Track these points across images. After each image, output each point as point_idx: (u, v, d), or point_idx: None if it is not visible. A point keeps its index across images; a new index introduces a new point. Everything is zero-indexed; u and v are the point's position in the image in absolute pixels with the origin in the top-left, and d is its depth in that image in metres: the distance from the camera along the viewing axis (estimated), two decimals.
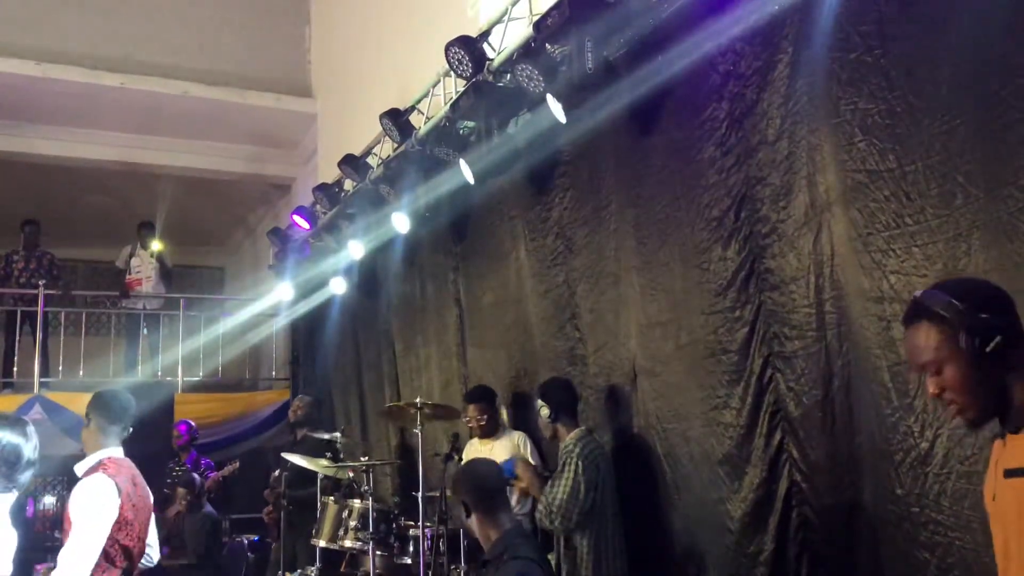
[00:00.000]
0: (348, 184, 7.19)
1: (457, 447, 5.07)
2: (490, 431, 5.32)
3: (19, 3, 9.18)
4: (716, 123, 3.99)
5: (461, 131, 5.65)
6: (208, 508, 7.44)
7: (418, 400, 5.18)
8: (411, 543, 5.12)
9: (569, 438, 4.37)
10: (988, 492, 2.06)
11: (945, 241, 2.91)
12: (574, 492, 4.14)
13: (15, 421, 3.16)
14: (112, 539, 3.51)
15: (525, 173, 5.43)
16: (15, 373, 9.36)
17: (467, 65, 4.93)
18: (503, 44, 4.93)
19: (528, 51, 4.58)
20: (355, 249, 7.15)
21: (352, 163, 6.75)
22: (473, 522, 3.29)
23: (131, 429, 3.85)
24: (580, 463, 4.19)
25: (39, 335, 9.19)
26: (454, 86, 5.55)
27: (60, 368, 9.68)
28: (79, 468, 3.71)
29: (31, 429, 3.16)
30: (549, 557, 4.17)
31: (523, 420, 5.42)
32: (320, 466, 5.72)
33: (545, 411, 4.43)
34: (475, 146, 5.47)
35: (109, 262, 10.72)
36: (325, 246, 7.74)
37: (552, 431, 4.49)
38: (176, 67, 9.66)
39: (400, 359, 7.37)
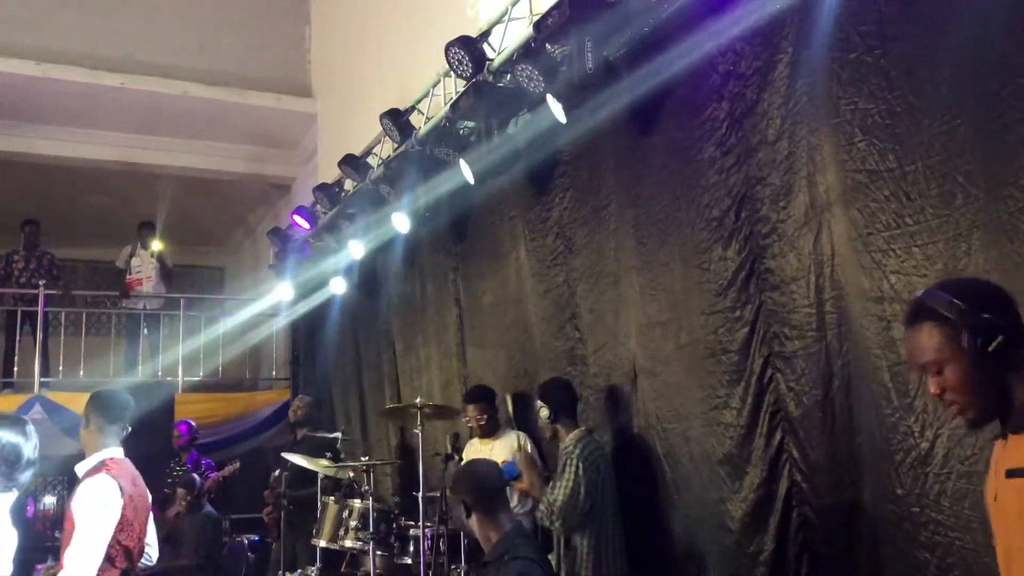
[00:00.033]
0: (348, 184, 7.20)
1: (457, 447, 5.07)
2: (490, 431, 5.32)
3: (19, 3, 9.18)
4: (716, 123, 3.99)
5: (461, 131, 5.65)
6: (208, 508, 7.43)
7: (418, 400, 5.18)
8: (411, 543, 5.12)
9: (569, 439, 4.37)
10: (989, 492, 2.05)
11: (945, 241, 2.91)
12: (574, 493, 4.15)
13: (15, 420, 3.16)
14: (113, 540, 3.51)
15: (525, 173, 5.43)
16: (15, 373, 9.36)
17: (467, 65, 4.93)
18: (503, 44, 4.93)
19: (528, 51, 4.58)
20: (355, 249, 7.15)
21: (352, 163, 6.75)
22: (473, 522, 3.30)
23: (129, 428, 3.85)
24: (580, 464, 4.20)
25: (39, 335, 9.19)
26: (454, 86, 5.55)
27: (60, 368, 9.68)
28: (80, 468, 3.71)
29: (31, 428, 3.16)
30: (549, 557, 4.17)
31: (523, 420, 5.42)
32: (320, 466, 5.72)
33: (545, 411, 4.44)
34: (475, 146, 5.47)
35: (109, 262, 10.72)
36: (325, 246, 7.74)
37: (552, 431, 4.49)
38: (176, 67, 9.66)
39: (400, 359, 7.37)
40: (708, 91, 4.02)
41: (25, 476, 3.10)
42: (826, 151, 3.39)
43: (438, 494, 4.70)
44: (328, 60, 10.24)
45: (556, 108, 4.55)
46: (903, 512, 3.07)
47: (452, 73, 5.24)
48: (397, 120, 5.94)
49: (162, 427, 8.45)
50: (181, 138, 10.48)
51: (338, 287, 8.06)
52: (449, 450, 5.04)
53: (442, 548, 4.71)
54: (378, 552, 5.07)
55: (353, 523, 5.18)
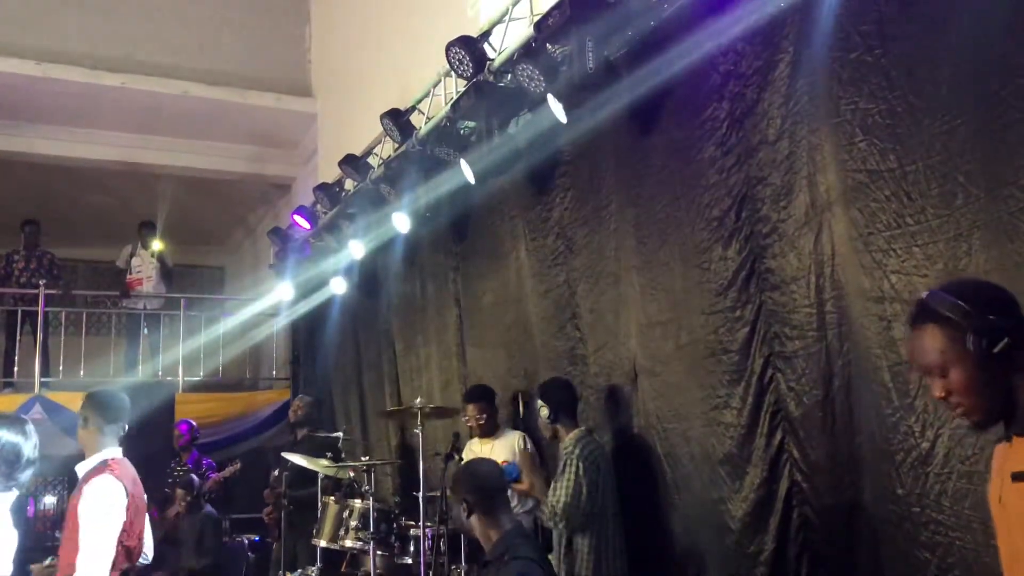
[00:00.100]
0: (349, 184, 7.20)
1: (457, 447, 5.07)
2: (489, 430, 5.32)
3: (19, 3, 9.18)
4: (717, 123, 3.99)
5: (462, 131, 5.65)
6: (207, 508, 7.44)
7: (418, 400, 5.18)
8: (412, 543, 5.11)
9: (569, 438, 4.37)
10: (994, 495, 2.04)
11: (946, 241, 2.91)
12: (575, 493, 4.15)
13: (14, 420, 3.17)
14: (116, 540, 3.51)
15: (526, 173, 5.43)
16: (15, 373, 9.36)
17: (468, 65, 4.93)
18: (504, 44, 4.93)
19: (529, 51, 4.58)
20: (355, 249, 7.15)
21: (353, 163, 6.76)
22: (474, 522, 3.30)
23: (127, 428, 3.85)
24: (580, 464, 4.20)
25: (39, 335, 9.19)
26: (455, 86, 5.55)
27: (60, 368, 9.68)
28: (80, 469, 3.71)
29: (30, 428, 3.16)
30: (549, 557, 4.17)
31: (523, 420, 5.42)
32: (321, 466, 5.72)
33: (545, 411, 4.44)
34: (476, 146, 5.47)
35: (110, 262, 10.72)
36: (325, 246, 7.74)
37: (552, 431, 4.49)
38: (176, 67, 9.66)
39: (400, 359, 7.37)
40: (709, 91, 4.02)
41: (25, 475, 3.10)
42: (827, 151, 3.39)
43: (438, 494, 4.70)
44: (328, 60, 10.24)
45: (557, 108, 4.54)
46: (903, 512, 3.07)
47: (453, 73, 5.24)
48: (398, 120, 5.94)
49: (162, 427, 8.46)
50: (181, 138, 10.48)
51: (338, 287, 8.06)
52: (449, 450, 5.04)
53: (442, 548, 4.71)
54: (378, 552, 5.07)
55: (353, 523, 5.18)
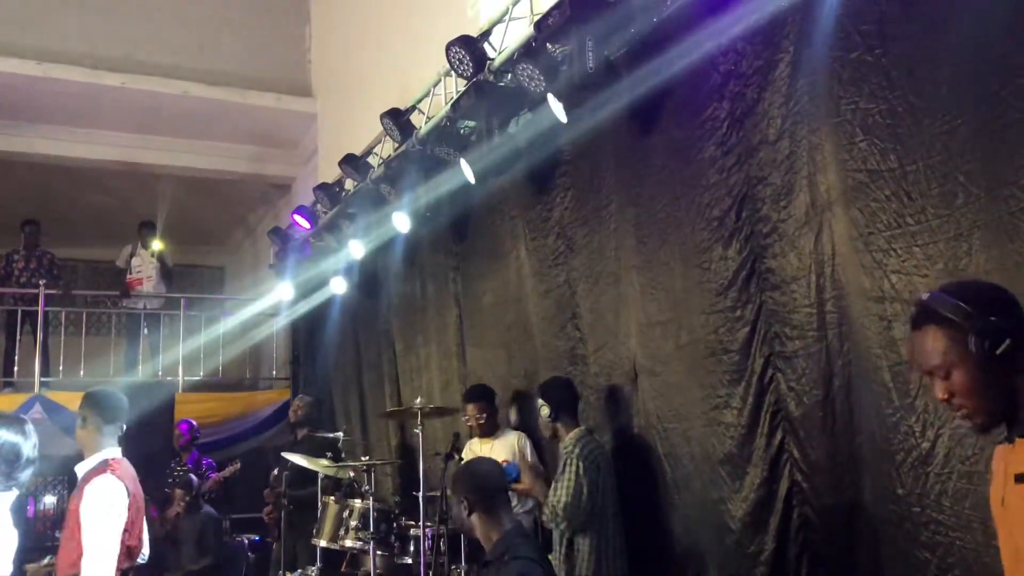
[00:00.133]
0: (349, 184, 7.20)
1: (457, 447, 5.07)
2: (489, 430, 5.32)
3: (20, 3, 9.19)
4: (717, 123, 3.99)
5: (462, 131, 5.65)
6: (206, 508, 7.44)
7: (418, 400, 5.18)
8: (412, 543, 5.12)
9: (568, 438, 4.37)
10: (996, 497, 2.03)
11: (946, 241, 2.91)
12: (576, 493, 4.15)
13: (13, 419, 3.16)
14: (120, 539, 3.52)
15: (526, 173, 5.43)
16: (15, 372, 9.36)
17: (468, 65, 4.93)
18: (504, 44, 4.93)
19: (529, 51, 4.57)
20: (355, 249, 7.15)
21: (353, 163, 6.75)
22: (474, 521, 3.29)
23: (125, 428, 3.84)
24: (580, 463, 4.20)
25: (39, 335, 9.19)
26: (455, 86, 5.55)
27: (60, 368, 9.68)
28: (80, 469, 3.70)
29: (29, 427, 3.15)
30: (550, 557, 4.17)
31: (522, 420, 5.42)
32: (321, 466, 5.72)
33: (545, 410, 4.44)
34: (476, 146, 5.47)
35: (110, 262, 10.72)
36: (325, 246, 7.74)
37: (552, 430, 4.49)
38: (176, 67, 9.66)
39: (400, 359, 7.37)
40: (709, 90, 4.01)
41: (25, 475, 3.09)
42: (827, 151, 3.39)
43: (438, 494, 4.70)
44: (328, 60, 10.24)
45: (557, 108, 4.54)
46: (904, 512, 3.06)
47: (453, 72, 5.24)
48: (398, 119, 5.94)
49: (162, 427, 8.47)
50: (181, 138, 10.49)
51: (338, 287, 8.06)
52: (449, 450, 5.04)
53: (442, 548, 4.71)
54: (378, 552, 5.07)
55: (353, 523, 5.18)
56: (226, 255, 14.12)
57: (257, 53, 10.23)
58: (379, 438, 7.68)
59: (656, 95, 4.27)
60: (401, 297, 7.36)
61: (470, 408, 5.32)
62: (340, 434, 6.07)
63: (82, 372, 9.60)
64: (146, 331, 10.08)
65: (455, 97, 5.32)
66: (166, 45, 9.74)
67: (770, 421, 3.73)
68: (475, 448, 5.30)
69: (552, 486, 4.32)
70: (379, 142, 6.79)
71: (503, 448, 5.17)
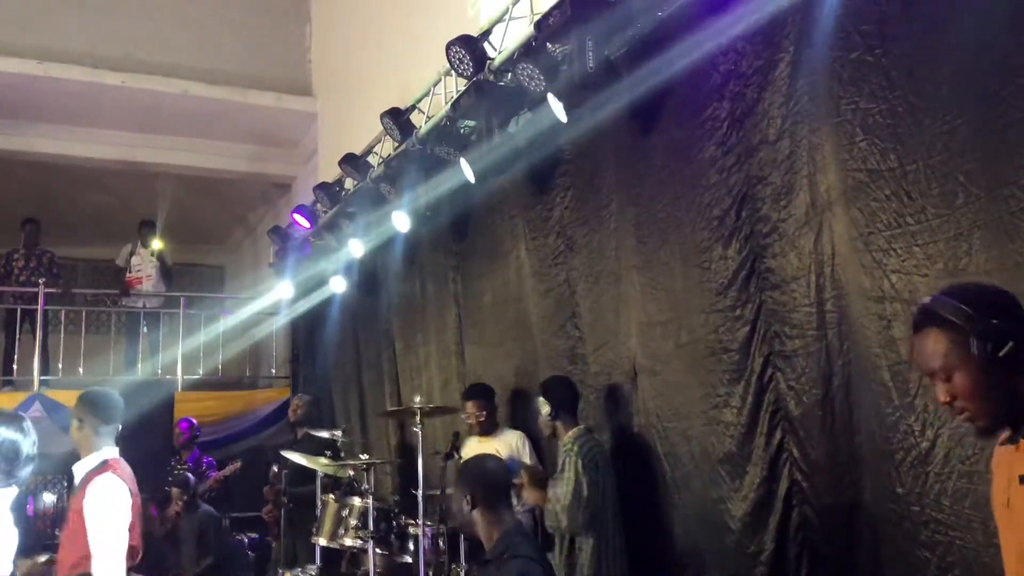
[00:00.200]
0: (349, 183, 7.20)
1: (457, 446, 5.07)
2: (489, 429, 5.32)
3: (20, 2, 9.18)
4: (717, 122, 3.99)
5: (462, 130, 5.65)
6: (205, 507, 7.43)
7: (418, 399, 5.18)
8: (411, 542, 5.11)
9: (567, 437, 4.37)
10: (999, 498, 2.02)
11: (946, 240, 2.91)
12: (577, 491, 4.15)
13: (12, 417, 3.16)
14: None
15: (526, 172, 5.43)
16: (15, 371, 9.36)
17: (468, 64, 4.93)
18: (504, 43, 4.93)
19: (529, 50, 4.58)
20: (355, 248, 7.16)
21: (353, 162, 6.76)
22: (476, 517, 3.28)
23: (120, 428, 3.84)
24: (580, 461, 4.20)
25: (39, 333, 9.19)
26: (455, 85, 5.55)
27: (60, 366, 9.67)
28: (79, 469, 3.70)
29: (28, 424, 3.15)
30: (549, 556, 4.17)
31: (522, 420, 5.43)
32: (320, 464, 5.72)
33: (546, 409, 4.44)
34: (476, 145, 5.46)
35: (109, 260, 10.72)
36: (325, 245, 7.75)
37: (551, 429, 4.50)
38: (176, 66, 9.66)
39: (400, 358, 7.37)
40: (709, 90, 4.01)
41: (25, 472, 3.09)
42: (827, 150, 3.39)
43: (438, 493, 4.70)
44: (328, 59, 10.24)
45: (557, 107, 4.55)
46: (903, 511, 3.07)
47: (453, 72, 5.24)
48: (398, 119, 5.94)
49: (162, 425, 8.48)
50: (181, 137, 10.49)
51: (338, 286, 8.06)
52: (449, 449, 5.04)
53: (442, 547, 4.71)
54: (378, 551, 5.06)
55: (353, 521, 5.18)
56: (226, 254, 14.12)
57: (257, 52, 10.23)
58: (379, 437, 7.68)
59: (656, 95, 4.27)
60: (401, 296, 7.36)
61: (469, 406, 5.33)
62: (339, 433, 6.05)
63: (82, 371, 9.60)
64: (146, 330, 10.08)
65: (455, 96, 5.32)
66: (166, 44, 9.74)
67: (770, 420, 3.73)
68: (474, 446, 5.30)
69: (551, 485, 4.32)
70: (379, 141, 6.79)
71: (503, 447, 5.17)
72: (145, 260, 10.04)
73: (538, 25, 4.43)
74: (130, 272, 10.09)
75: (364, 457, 5.54)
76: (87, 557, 3.48)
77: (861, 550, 3.33)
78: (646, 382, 4.48)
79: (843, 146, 3.29)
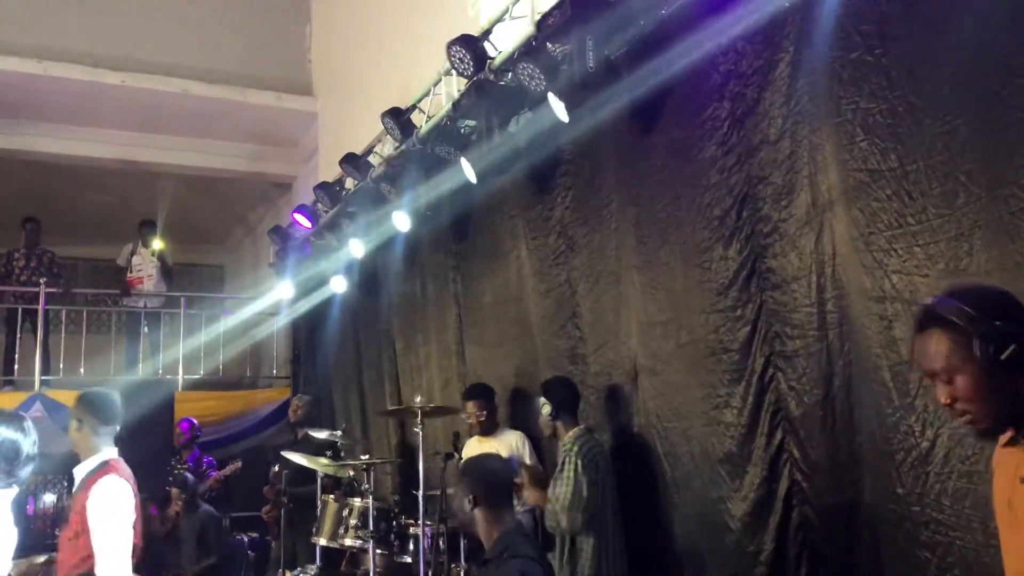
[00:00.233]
0: (349, 183, 7.20)
1: (457, 446, 5.07)
2: (489, 428, 5.33)
3: (20, 2, 9.18)
4: (717, 122, 3.98)
5: (462, 130, 5.65)
6: (205, 507, 7.43)
7: (418, 399, 5.18)
8: (411, 541, 5.11)
9: (568, 437, 4.37)
10: (1001, 499, 2.02)
11: (947, 240, 2.91)
12: (577, 490, 4.15)
13: (12, 417, 3.16)
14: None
15: (526, 172, 5.43)
16: (16, 371, 9.36)
17: (468, 64, 4.93)
18: (504, 43, 4.93)
19: (529, 50, 4.57)
20: (356, 248, 7.16)
21: (353, 162, 6.76)
22: (477, 515, 3.27)
23: (119, 429, 3.84)
24: (579, 461, 4.20)
25: (40, 333, 9.19)
26: (455, 85, 5.55)
27: (61, 366, 9.68)
28: (80, 471, 3.70)
29: (29, 424, 3.15)
30: (549, 556, 4.17)
31: (522, 420, 5.43)
32: (321, 464, 5.72)
33: (547, 408, 4.44)
34: (476, 145, 5.46)
35: (110, 260, 10.73)
36: (326, 244, 7.75)
37: (552, 429, 4.50)
38: (177, 65, 9.66)
39: (400, 358, 7.37)
40: (709, 90, 4.01)
41: (25, 472, 3.09)
42: (827, 150, 3.39)
43: (438, 492, 4.70)
44: (329, 58, 10.24)
45: (558, 107, 4.54)
46: (903, 512, 3.06)
47: (453, 72, 5.24)
48: (398, 119, 5.94)
49: (162, 425, 8.48)
50: (182, 136, 10.49)
51: (338, 286, 8.06)
52: (450, 448, 5.05)
53: (442, 547, 4.71)
54: (378, 550, 5.06)
55: (353, 521, 5.18)
56: (226, 254, 14.13)
57: (257, 52, 10.23)
58: (379, 437, 7.68)
59: (657, 95, 4.27)
60: (401, 296, 7.36)
61: (470, 405, 5.33)
62: (339, 432, 6.05)
63: (82, 370, 9.60)
64: (146, 330, 10.08)
65: (456, 96, 5.32)
66: (166, 44, 9.74)
67: (770, 420, 3.73)
68: (474, 446, 5.30)
69: (551, 484, 4.32)
70: (379, 141, 6.79)
71: (503, 447, 5.17)
72: (146, 260, 10.04)
73: (538, 25, 4.43)
74: (131, 272, 10.09)
75: (364, 457, 5.54)
76: (89, 557, 3.48)
77: (861, 550, 3.33)
78: (646, 382, 4.48)
79: (844, 146, 3.29)
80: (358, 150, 6.90)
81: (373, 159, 6.83)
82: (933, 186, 2.96)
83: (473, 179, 5.47)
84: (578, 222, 5.05)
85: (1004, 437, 2.02)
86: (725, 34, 3.84)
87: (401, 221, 6.40)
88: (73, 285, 10.54)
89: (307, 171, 10.71)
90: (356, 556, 5.68)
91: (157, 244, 10.05)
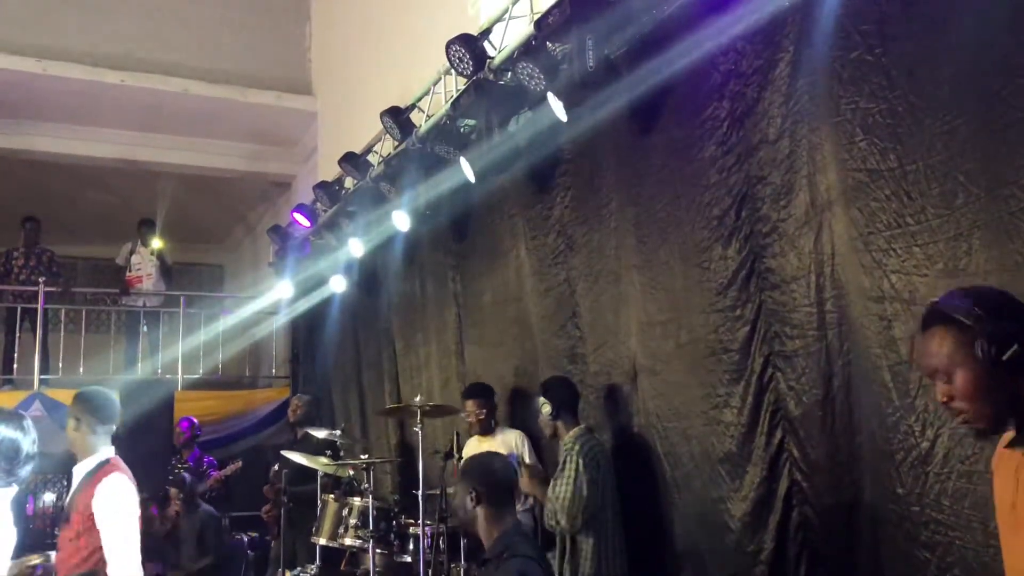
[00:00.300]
0: (348, 182, 7.20)
1: (457, 445, 5.07)
2: (488, 428, 5.33)
3: (20, 2, 9.18)
4: (717, 122, 3.98)
5: (462, 129, 5.64)
6: (204, 507, 7.43)
7: (418, 398, 5.18)
8: (411, 541, 5.12)
9: (568, 436, 4.37)
10: (1004, 501, 2.02)
11: (946, 240, 2.91)
12: (577, 490, 4.15)
13: (11, 415, 3.16)
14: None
15: (526, 171, 5.43)
16: (15, 370, 9.35)
17: (468, 63, 4.93)
18: (504, 42, 4.93)
19: (529, 49, 4.57)
20: (355, 247, 7.15)
21: (353, 161, 6.75)
22: (479, 514, 3.26)
23: (116, 428, 3.84)
24: (580, 460, 4.20)
25: (39, 332, 9.19)
26: (455, 84, 5.54)
27: (60, 365, 9.67)
28: (80, 470, 3.69)
29: (28, 423, 3.15)
30: (549, 556, 4.17)
31: (522, 419, 5.43)
32: (320, 464, 5.72)
33: (547, 408, 4.44)
34: (476, 144, 5.46)
35: (109, 259, 10.72)
36: (325, 244, 7.74)
37: (552, 428, 4.50)
38: (176, 65, 9.66)
39: (400, 357, 7.37)
40: (709, 90, 4.01)
41: (25, 471, 3.09)
42: (827, 150, 3.39)
43: (438, 492, 4.70)
44: (328, 58, 10.23)
45: (557, 106, 4.54)
46: (903, 512, 3.07)
47: (453, 71, 5.24)
48: (398, 118, 5.94)
49: (162, 425, 8.47)
50: (181, 136, 10.50)
51: (338, 285, 8.06)
52: (449, 448, 5.05)
53: (442, 546, 4.71)
54: (378, 550, 5.07)
55: (353, 521, 5.18)
56: (226, 253, 14.12)
57: (257, 51, 10.23)
58: (379, 436, 7.68)
59: (656, 94, 4.27)
60: (401, 296, 7.36)
61: (469, 405, 5.33)
62: (338, 432, 6.05)
63: (82, 369, 9.60)
64: (145, 329, 10.07)
65: (455, 95, 5.31)
66: (166, 43, 9.74)
67: (770, 420, 3.73)
68: (474, 446, 5.30)
69: (551, 484, 4.32)
70: (379, 140, 6.78)
71: (502, 446, 5.16)
72: (145, 259, 10.03)
73: (538, 24, 4.43)
74: (130, 271, 10.09)
75: (364, 456, 5.54)
76: (90, 557, 3.48)
77: (861, 550, 3.33)
78: (646, 382, 4.48)
79: (843, 146, 3.29)
80: (357, 149, 6.89)
81: (372, 158, 6.82)
82: (932, 186, 2.96)
83: (472, 178, 5.47)
84: (577, 221, 5.05)
85: (1005, 438, 2.02)
86: (725, 34, 3.84)
87: (400, 220, 6.40)
88: (72, 284, 10.53)
89: (307, 170, 10.71)
90: (356, 555, 5.68)
91: (156, 243, 10.04)
